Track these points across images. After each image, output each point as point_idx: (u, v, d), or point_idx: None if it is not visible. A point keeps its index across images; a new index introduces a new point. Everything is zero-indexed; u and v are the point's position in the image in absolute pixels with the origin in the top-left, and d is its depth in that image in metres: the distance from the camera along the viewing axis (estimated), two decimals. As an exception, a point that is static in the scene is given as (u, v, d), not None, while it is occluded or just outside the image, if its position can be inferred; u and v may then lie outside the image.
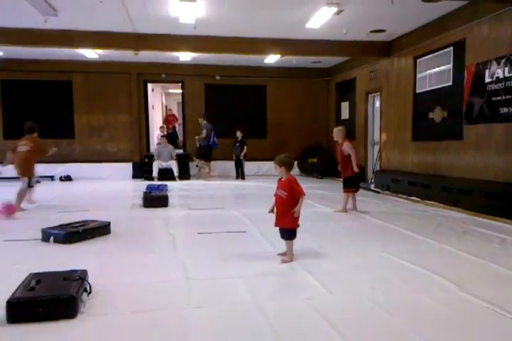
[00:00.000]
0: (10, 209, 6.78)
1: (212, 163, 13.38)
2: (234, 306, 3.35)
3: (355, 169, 7.33)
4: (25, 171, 7.56)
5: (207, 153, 13.02)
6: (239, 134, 13.30)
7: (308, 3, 7.73)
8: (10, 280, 3.54)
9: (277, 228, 4.56)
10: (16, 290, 3.20)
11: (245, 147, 13.22)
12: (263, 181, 12.55)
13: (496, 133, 7.37)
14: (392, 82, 10.75)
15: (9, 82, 13.38)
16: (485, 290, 3.65)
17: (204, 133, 12.68)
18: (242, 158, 13.25)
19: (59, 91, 13.71)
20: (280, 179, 4.59)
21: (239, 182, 12.53)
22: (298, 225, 4.53)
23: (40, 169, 10.84)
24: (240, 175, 13.34)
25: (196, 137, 12.92)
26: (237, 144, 13.30)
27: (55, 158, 11.57)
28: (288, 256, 4.53)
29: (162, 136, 13.65)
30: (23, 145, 7.63)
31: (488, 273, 4.22)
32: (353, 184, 7.52)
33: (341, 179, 7.69)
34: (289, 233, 4.52)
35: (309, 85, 14.93)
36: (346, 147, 7.34)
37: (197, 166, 13.29)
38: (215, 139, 12.98)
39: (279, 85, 14.74)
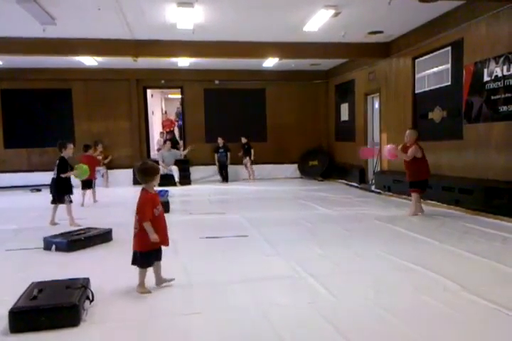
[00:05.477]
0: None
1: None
2: (237, 312, 3.34)
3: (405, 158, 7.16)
4: None
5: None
6: (220, 141, 13.75)
7: (305, 6, 7.73)
8: (12, 290, 3.54)
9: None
10: (19, 299, 3.20)
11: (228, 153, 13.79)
12: (264, 185, 12.57)
13: (496, 131, 7.35)
14: (391, 82, 10.75)
15: (9, 91, 13.39)
16: (489, 290, 3.63)
17: None
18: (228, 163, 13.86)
19: (59, 100, 13.72)
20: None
21: (238, 186, 12.52)
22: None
23: (41, 177, 10.90)
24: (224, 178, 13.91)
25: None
26: (222, 150, 13.78)
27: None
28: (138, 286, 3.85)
29: (166, 140, 13.66)
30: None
31: (491, 272, 4.21)
32: (425, 186, 7.26)
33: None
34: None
35: (308, 88, 14.93)
36: (411, 149, 7.09)
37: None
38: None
39: (279, 88, 14.73)
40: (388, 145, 7.54)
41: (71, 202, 7.04)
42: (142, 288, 3.82)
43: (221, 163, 13.83)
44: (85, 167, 7.34)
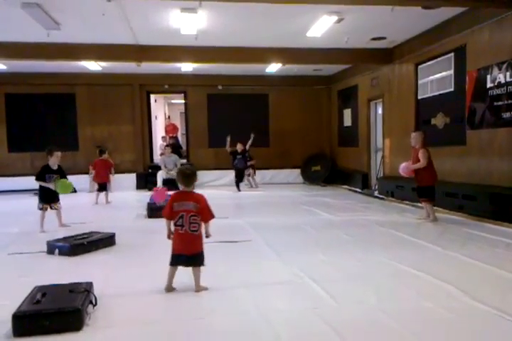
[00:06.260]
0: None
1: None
2: (240, 317, 3.34)
3: (415, 167, 7.10)
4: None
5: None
6: (239, 146, 12.83)
7: (308, 12, 7.77)
8: (15, 294, 3.54)
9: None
10: (22, 303, 3.21)
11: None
12: (266, 190, 12.57)
13: (499, 137, 7.35)
14: (393, 88, 10.77)
15: (13, 95, 13.46)
16: (492, 296, 3.62)
17: None
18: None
19: (63, 104, 13.78)
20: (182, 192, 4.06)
21: (241, 191, 12.49)
22: None
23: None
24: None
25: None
26: (240, 156, 12.85)
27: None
28: (199, 286, 3.94)
29: (166, 146, 13.64)
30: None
31: (494, 278, 4.20)
32: (431, 194, 7.18)
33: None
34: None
35: (311, 93, 14.96)
36: (420, 154, 7.05)
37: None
38: None
39: (281, 94, 14.77)
40: (403, 164, 7.43)
41: (41, 209, 6.93)
42: (201, 286, 3.91)
43: (239, 169, 12.87)
44: (67, 182, 6.93)
